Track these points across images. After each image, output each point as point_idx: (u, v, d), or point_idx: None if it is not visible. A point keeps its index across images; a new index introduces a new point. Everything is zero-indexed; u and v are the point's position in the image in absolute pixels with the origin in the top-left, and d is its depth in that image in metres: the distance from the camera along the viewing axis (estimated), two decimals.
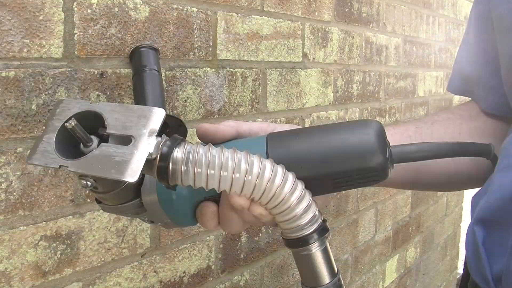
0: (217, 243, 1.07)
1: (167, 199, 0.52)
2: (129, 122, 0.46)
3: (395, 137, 0.67)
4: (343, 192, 1.51)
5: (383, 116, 1.72)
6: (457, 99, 2.35)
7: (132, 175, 0.43)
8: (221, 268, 1.09)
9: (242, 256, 1.14)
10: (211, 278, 1.06)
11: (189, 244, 1.00)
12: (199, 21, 0.95)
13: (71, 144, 0.47)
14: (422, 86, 2.01)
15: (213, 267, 1.06)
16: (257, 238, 1.18)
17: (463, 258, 0.57)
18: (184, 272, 0.99)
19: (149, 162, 0.44)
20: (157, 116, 0.46)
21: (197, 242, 1.02)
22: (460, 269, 2.73)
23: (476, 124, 0.71)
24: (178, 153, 0.45)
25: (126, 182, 0.43)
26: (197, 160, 0.45)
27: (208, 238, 1.04)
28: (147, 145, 0.44)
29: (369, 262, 1.76)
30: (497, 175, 0.54)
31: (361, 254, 1.69)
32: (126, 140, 0.45)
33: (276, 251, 1.26)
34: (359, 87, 1.55)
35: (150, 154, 0.44)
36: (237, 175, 0.45)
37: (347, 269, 1.62)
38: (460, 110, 0.73)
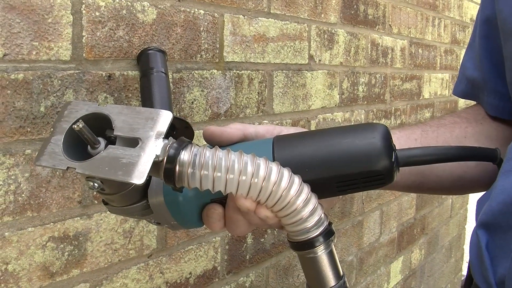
0: (223, 245, 1.07)
1: (173, 201, 0.52)
2: (136, 124, 0.46)
3: (401, 140, 0.67)
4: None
5: (389, 118, 1.72)
6: (462, 101, 2.34)
7: (139, 177, 0.43)
8: (227, 269, 1.09)
9: (247, 257, 1.14)
10: (216, 279, 1.06)
11: (195, 246, 1.00)
12: (206, 23, 0.95)
13: (78, 146, 0.47)
14: (428, 88, 2.00)
15: (219, 268, 1.07)
16: (262, 240, 1.19)
17: (468, 260, 0.57)
18: (190, 273, 1.00)
19: (156, 164, 0.45)
20: (164, 118, 0.46)
21: (203, 243, 1.02)
22: (465, 271, 2.72)
23: (482, 128, 0.71)
24: (184, 155, 0.45)
25: (133, 184, 0.44)
26: (203, 163, 0.45)
27: (214, 239, 1.04)
28: (154, 147, 0.45)
29: (374, 263, 1.76)
30: (500, 179, 0.54)
31: (366, 255, 1.69)
32: (133, 142, 0.46)
33: (282, 252, 1.26)
34: (365, 89, 1.55)
35: (157, 156, 0.44)
36: (244, 177, 0.45)
37: (352, 270, 1.62)
38: (466, 114, 0.73)
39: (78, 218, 0.78)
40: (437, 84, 2.09)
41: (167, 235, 0.94)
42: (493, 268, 0.53)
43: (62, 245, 0.77)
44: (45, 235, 0.74)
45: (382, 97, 1.65)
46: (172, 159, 0.45)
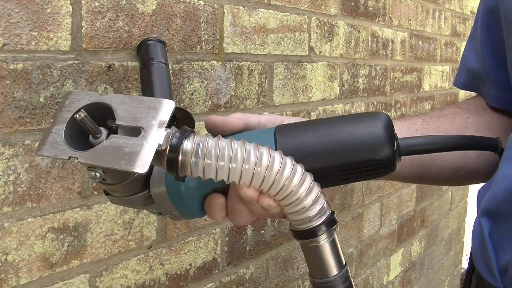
0: (223, 236, 1.07)
1: (175, 191, 0.52)
2: (138, 114, 0.46)
3: (402, 131, 0.67)
4: (349, 185, 1.51)
5: (389, 110, 1.72)
6: (462, 93, 2.34)
7: (141, 166, 0.43)
8: (227, 261, 1.09)
9: (247, 249, 1.14)
10: (216, 271, 1.06)
11: (195, 237, 1.00)
12: (206, 14, 0.95)
13: (80, 136, 0.47)
14: (428, 80, 2.00)
15: (218, 259, 1.07)
16: (262, 231, 1.19)
17: (468, 253, 0.57)
18: (190, 264, 1.00)
19: (158, 154, 0.45)
20: (167, 107, 0.46)
21: (203, 235, 1.02)
22: (464, 264, 2.72)
23: (483, 119, 0.70)
24: (187, 144, 0.45)
25: (135, 173, 0.43)
26: (206, 152, 0.45)
27: (214, 231, 1.04)
28: (156, 136, 0.44)
29: (374, 256, 1.76)
30: (502, 167, 0.54)
31: (366, 248, 1.70)
32: (135, 131, 0.45)
33: (282, 244, 1.26)
34: (365, 81, 1.54)
35: (159, 145, 0.44)
36: (247, 166, 0.45)
37: (352, 262, 1.62)
38: (467, 105, 0.73)
39: (78, 209, 0.78)
40: (437, 77, 2.09)
41: (167, 227, 0.94)
42: (496, 256, 0.53)
43: (62, 236, 0.76)
44: (44, 226, 0.74)
45: (382, 89, 1.65)
46: (175, 148, 0.45)
